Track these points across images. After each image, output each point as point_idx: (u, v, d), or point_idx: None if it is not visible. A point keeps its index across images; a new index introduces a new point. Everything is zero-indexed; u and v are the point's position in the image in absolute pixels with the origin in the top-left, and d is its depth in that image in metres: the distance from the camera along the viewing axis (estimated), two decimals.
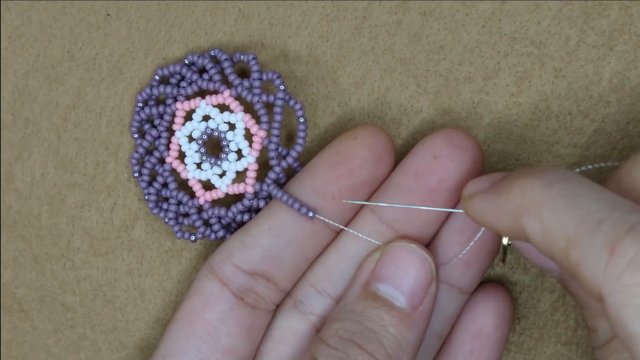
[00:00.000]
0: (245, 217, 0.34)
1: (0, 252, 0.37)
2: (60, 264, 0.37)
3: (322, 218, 0.32)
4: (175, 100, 0.35)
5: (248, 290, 0.33)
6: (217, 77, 0.34)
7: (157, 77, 0.35)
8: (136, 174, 0.35)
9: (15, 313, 0.37)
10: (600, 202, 0.25)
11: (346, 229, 0.33)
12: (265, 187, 0.34)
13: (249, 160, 0.34)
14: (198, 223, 0.35)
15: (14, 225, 0.37)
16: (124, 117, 0.36)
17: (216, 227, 0.35)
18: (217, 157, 0.35)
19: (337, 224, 0.32)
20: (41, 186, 0.37)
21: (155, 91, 0.35)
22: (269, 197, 0.34)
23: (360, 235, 0.32)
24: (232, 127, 0.35)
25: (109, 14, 0.36)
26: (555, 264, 0.27)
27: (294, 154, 0.34)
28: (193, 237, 0.35)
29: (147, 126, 0.35)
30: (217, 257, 0.33)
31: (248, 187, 0.34)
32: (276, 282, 0.33)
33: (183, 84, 0.35)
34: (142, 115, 0.35)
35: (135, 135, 0.35)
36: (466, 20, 0.34)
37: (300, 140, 0.34)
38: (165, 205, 0.35)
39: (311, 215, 0.32)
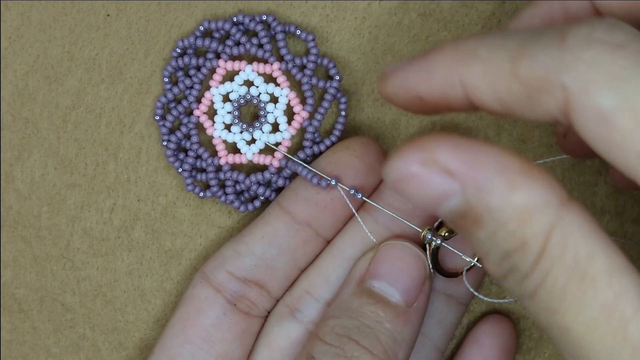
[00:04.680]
0: (261, 190, 0.35)
1: (0, 252, 0.37)
2: (60, 265, 0.37)
3: (341, 186, 0.33)
4: (218, 56, 0.35)
5: (241, 297, 0.33)
6: (268, 47, 0.34)
7: (201, 28, 0.35)
8: (157, 117, 0.35)
9: (15, 313, 0.38)
10: None
11: (368, 200, 0.33)
12: (290, 164, 0.34)
13: (285, 136, 0.35)
14: (213, 182, 0.35)
15: (14, 225, 0.37)
16: (123, 117, 0.36)
17: (229, 189, 0.35)
18: (250, 124, 0.35)
19: (356, 195, 0.33)
20: (41, 186, 0.37)
21: (198, 42, 0.35)
22: (289, 178, 0.35)
23: (363, 226, 0.33)
24: (273, 99, 0.35)
25: (108, 15, 0.36)
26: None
27: (327, 142, 0.35)
28: (202, 194, 0.35)
29: (179, 74, 0.35)
30: (210, 264, 0.34)
31: (275, 160, 0.35)
32: (269, 289, 0.33)
33: (229, 42, 0.35)
34: (180, 62, 0.35)
35: (166, 80, 0.35)
36: (466, 20, 0.34)
37: (336, 132, 0.35)
38: (182, 156, 0.35)
39: (334, 183, 0.32)
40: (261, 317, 0.34)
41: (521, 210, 0.22)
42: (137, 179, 0.36)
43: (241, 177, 0.35)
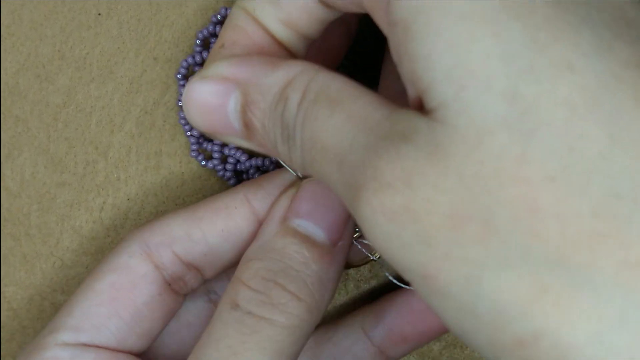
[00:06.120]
0: (257, 175, 0.35)
1: None
2: (50, 263, 0.37)
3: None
4: None
5: (178, 279, 0.32)
6: None
7: None
8: (179, 76, 0.35)
9: (4, 312, 0.37)
10: None
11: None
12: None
13: None
14: (217, 154, 0.35)
15: (3, 223, 0.37)
16: (114, 116, 0.36)
17: (230, 166, 0.35)
18: None
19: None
20: (31, 185, 0.37)
21: None
22: (277, 164, 0.35)
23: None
24: None
25: (99, 14, 0.36)
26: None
27: None
28: (204, 162, 0.35)
29: (213, 40, 0.35)
30: (156, 237, 0.32)
31: None
32: (204, 273, 0.32)
33: None
34: (217, 30, 0.34)
35: (198, 42, 0.35)
36: None
37: None
38: None
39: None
40: (185, 296, 0.33)
41: (284, 78, 0.26)
42: (127, 178, 0.36)
43: (243, 157, 0.35)
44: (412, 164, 0.22)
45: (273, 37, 0.29)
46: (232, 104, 0.28)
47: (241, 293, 0.29)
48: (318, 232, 0.30)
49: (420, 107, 0.23)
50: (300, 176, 0.32)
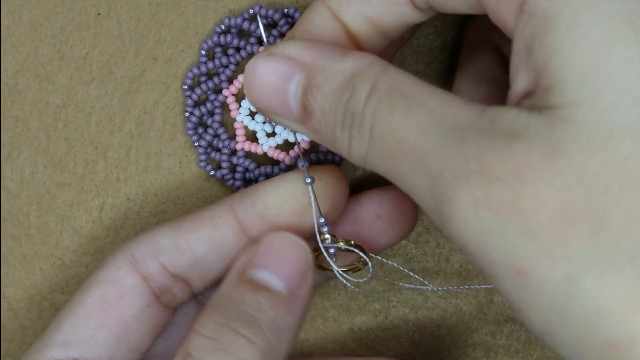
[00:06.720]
0: (261, 179, 0.35)
1: None
2: (50, 263, 0.37)
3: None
4: (261, 43, 0.35)
5: (166, 291, 0.32)
6: None
7: (250, 11, 0.34)
8: (185, 87, 0.35)
9: (4, 312, 0.37)
10: None
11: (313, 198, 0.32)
12: (299, 163, 0.34)
13: (304, 138, 0.35)
14: (225, 164, 0.35)
15: (3, 223, 0.37)
16: (113, 116, 0.36)
17: (239, 175, 0.35)
18: None
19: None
20: (30, 185, 0.37)
21: (245, 24, 0.35)
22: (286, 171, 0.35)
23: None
24: None
25: (99, 14, 0.36)
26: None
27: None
28: (213, 172, 0.36)
29: (218, 50, 0.35)
30: (142, 248, 0.32)
31: (287, 158, 0.35)
32: (193, 286, 0.33)
33: (274, 32, 0.34)
34: (221, 40, 0.35)
35: (203, 52, 0.35)
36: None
37: None
38: (201, 131, 0.36)
39: (308, 181, 0.32)
40: (175, 309, 0.33)
41: (352, 67, 0.27)
42: (126, 178, 0.36)
43: (252, 166, 0.35)
44: (525, 160, 0.22)
45: (349, 34, 0.29)
46: (294, 86, 0.28)
47: (193, 342, 0.28)
48: (274, 281, 0.30)
49: (519, 102, 0.24)
50: (308, 181, 0.31)
